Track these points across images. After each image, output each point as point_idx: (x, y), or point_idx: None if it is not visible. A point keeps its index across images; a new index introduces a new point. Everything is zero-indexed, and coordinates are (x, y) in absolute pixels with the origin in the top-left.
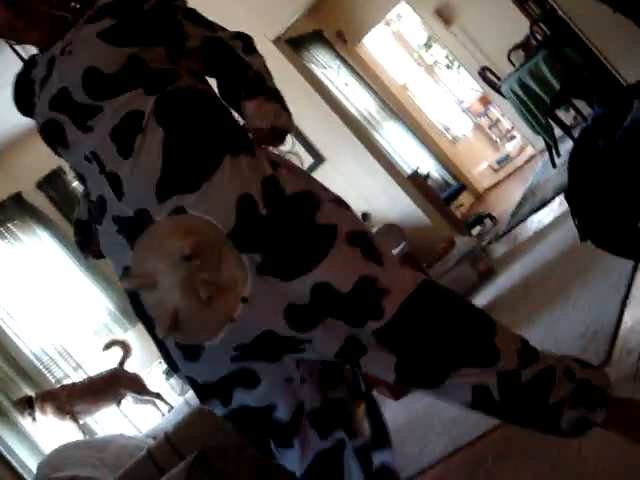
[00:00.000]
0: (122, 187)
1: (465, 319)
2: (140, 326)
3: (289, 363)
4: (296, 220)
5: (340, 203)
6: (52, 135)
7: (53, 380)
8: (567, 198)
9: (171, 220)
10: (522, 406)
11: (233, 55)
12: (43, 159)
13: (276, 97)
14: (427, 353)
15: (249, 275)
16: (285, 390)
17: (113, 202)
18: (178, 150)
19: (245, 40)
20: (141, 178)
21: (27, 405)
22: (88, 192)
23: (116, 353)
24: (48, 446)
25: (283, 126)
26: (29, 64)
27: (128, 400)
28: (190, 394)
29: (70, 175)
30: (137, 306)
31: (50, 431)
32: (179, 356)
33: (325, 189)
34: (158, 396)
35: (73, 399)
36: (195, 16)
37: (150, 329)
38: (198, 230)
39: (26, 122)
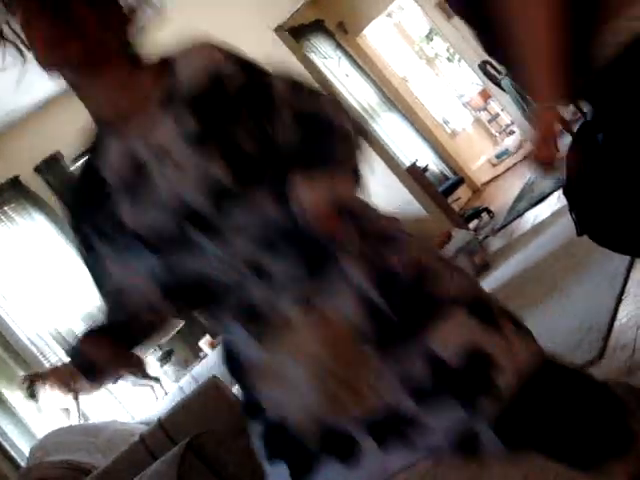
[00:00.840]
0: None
1: (596, 402)
2: None
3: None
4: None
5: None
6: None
7: (48, 364)
8: (565, 192)
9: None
10: None
11: None
12: (41, 143)
13: None
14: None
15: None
16: None
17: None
18: None
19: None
20: None
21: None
22: None
23: None
24: (41, 430)
25: None
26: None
27: (127, 381)
28: (184, 380)
29: (68, 160)
30: None
31: (45, 414)
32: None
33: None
34: (157, 380)
35: None
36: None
37: None
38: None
39: (24, 106)
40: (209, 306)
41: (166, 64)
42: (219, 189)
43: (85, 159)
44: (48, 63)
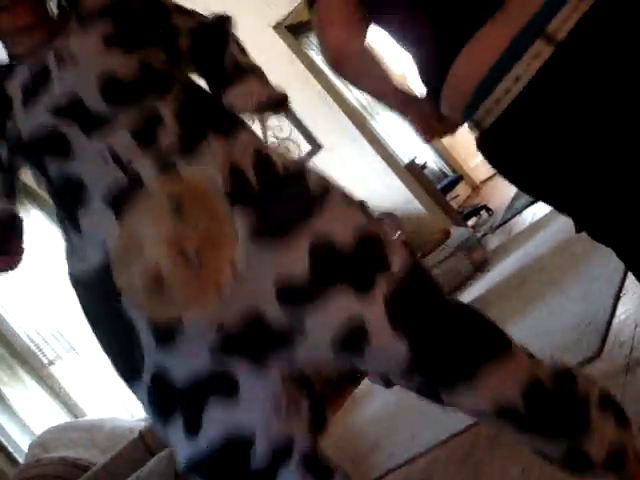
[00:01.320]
0: None
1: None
2: None
3: (276, 378)
4: (288, 188)
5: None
6: (50, 143)
7: (45, 361)
8: None
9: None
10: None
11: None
12: None
13: (252, 74)
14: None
15: (240, 236)
16: (268, 417)
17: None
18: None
19: (223, 27)
20: None
21: None
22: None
23: None
24: (39, 427)
25: (269, 98)
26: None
27: None
28: None
29: None
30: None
31: (39, 410)
32: (150, 343)
33: None
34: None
35: None
36: (181, 9)
37: (111, 331)
38: (189, 186)
39: None
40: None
41: None
42: (117, 86)
43: None
44: None
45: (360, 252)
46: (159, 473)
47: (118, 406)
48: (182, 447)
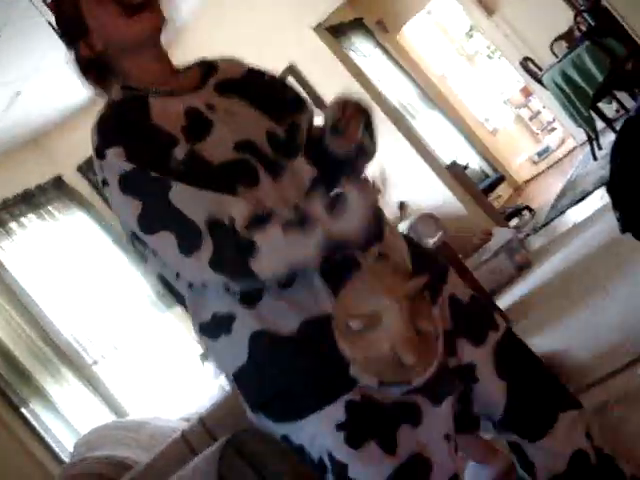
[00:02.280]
0: None
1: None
2: (177, 309)
3: (449, 414)
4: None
5: None
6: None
7: (90, 361)
8: (609, 189)
9: (388, 263)
10: None
11: None
12: (84, 143)
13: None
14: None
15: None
16: (443, 449)
17: None
18: None
19: None
20: None
21: None
22: None
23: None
24: (84, 426)
25: None
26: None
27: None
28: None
29: None
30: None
31: (84, 410)
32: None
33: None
34: None
35: None
36: None
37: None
38: (404, 271)
39: (68, 105)
40: None
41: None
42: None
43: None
44: (129, 33)
45: (475, 312)
46: (202, 472)
47: (160, 406)
48: (380, 465)
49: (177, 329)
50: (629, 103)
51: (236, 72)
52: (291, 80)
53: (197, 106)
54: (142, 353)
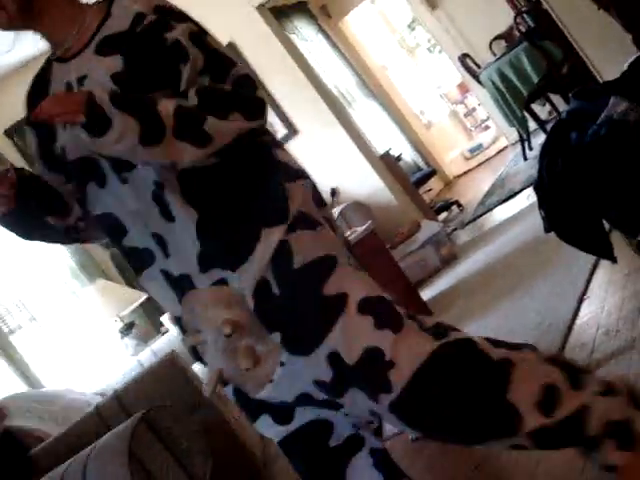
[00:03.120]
0: (167, 248)
1: (476, 384)
2: (100, 282)
3: (345, 418)
4: (303, 295)
5: (357, 266)
6: (86, 171)
7: (6, 330)
8: (535, 188)
9: (212, 292)
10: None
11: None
12: (13, 106)
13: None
14: (445, 431)
15: (278, 348)
16: (344, 419)
17: (160, 258)
18: (212, 231)
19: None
20: (184, 246)
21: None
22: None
23: (75, 308)
24: None
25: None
26: (45, 68)
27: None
28: (144, 354)
29: None
30: None
31: None
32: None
33: (343, 243)
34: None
35: None
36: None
37: None
38: (235, 304)
39: None
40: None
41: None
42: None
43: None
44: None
45: (361, 369)
46: (113, 447)
47: (76, 379)
48: (275, 432)
49: (97, 303)
50: (562, 106)
51: (123, 24)
52: None
53: (70, 81)
54: (60, 325)
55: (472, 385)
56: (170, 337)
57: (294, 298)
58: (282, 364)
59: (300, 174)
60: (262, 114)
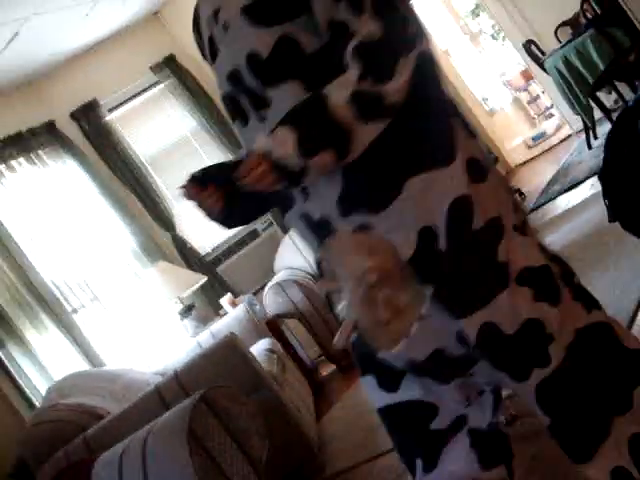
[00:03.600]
0: (307, 190)
1: (614, 372)
2: (161, 264)
3: (457, 388)
4: (477, 257)
5: (524, 228)
6: (234, 109)
7: (69, 309)
8: (600, 177)
9: (355, 237)
10: None
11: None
12: (79, 90)
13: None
14: (574, 417)
15: (425, 301)
16: (450, 403)
17: (300, 201)
18: (358, 170)
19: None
20: (325, 187)
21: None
22: None
23: (136, 289)
24: (59, 372)
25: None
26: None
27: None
28: (203, 336)
29: (104, 108)
30: None
31: (60, 357)
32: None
33: (510, 201)
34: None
35: None
36: None
37: None
38: (380, 251)
39: (63, 51)
40: None
41: None
42: (258, 63)
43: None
44: None
45: (521, 345)
46: (173, 426)
47: (136, 359)
48: (378, 396)
49: (158, 284)
50: (628, 95)
51: None
52: None
53: (209, 16)
54: (122, 306)
55: (610, 373)
56: (229, 319)
57: (464, 258)
58: (421, 318)
59: (456, 108)
60: (419, 38)
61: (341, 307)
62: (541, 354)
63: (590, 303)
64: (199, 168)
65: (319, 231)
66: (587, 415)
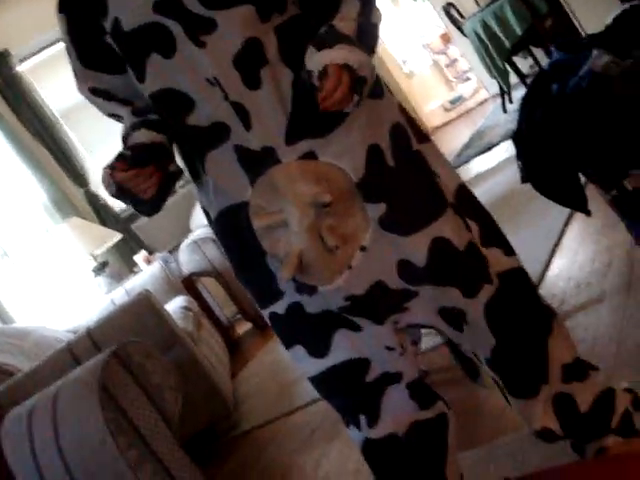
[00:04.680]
0: (249, 119)
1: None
2: (73, 220)
3: (390, 331)
4: (421, 174)
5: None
6: (153, 41)
7: None
8: (514, 139)
9: (302, 164)
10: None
11: None
12: None
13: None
14: (516, 342)
15: (371, 226)
16: (383, 354)
17: (238, 132)
18: (308, 94)
19: None
20: (269, 115)
21: None
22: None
23: (48, 245)
24: None
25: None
26: None
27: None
28: (117, 293)
29: (16, 59)
30: (229, 227)
31: None
32: (291, 287)
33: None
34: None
35: None
36: None
37: (242, 252)
38: (329, 178)
39: None
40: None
41: None
42: None
43: None
44: None
45: (469, 257)
46: (85, 381)
47: (48, 316)
48: (308, 364)
49: (71, 241)
50: (544, 60)
51: None
52: None
53: None
54: (33, 262)
55: (528, 314)
56: (144, 277)
57: (411, 175)
58: (363, 249)
59: None
60: None
61: (278, 243)
62: (486, 272)
63: (508, 249)
64: (123, 149)
65: (258, 163)
66: (528, 339)
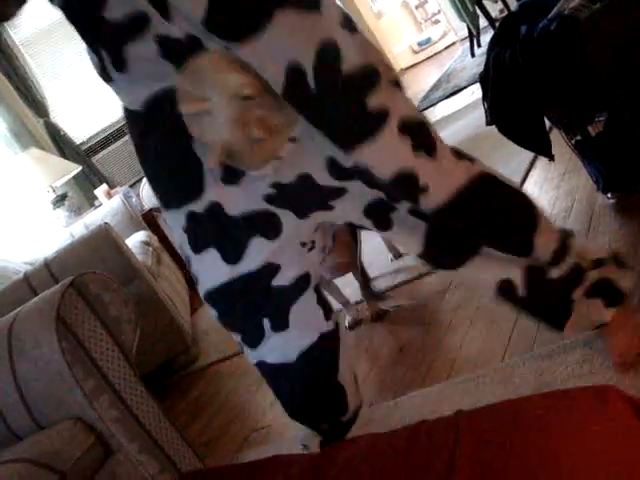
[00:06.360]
0: (168, 10)
1: (510, 209)
2: (32, 151)
3: (309, 227)
4: (346, 103)
5: (397, 84)
6: None
7: None
8: (481, 80)
9: (230, 54)
10: (543, 302)
11: None
12: None
13: None
14: (459, 226)
15: (297, 123)
16: (294, 254)
17: (158, 23)
18: None
19: None
20: (189, 8)
21: None
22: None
23: (6, 176)
24: None
25: None
26: None
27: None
28: (76, 226)
29: None
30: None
31: None
32: (217, 176)
33: (383, 61)
34: None
35: None
36: None
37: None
38: (256, 71)
39: None
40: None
41: None
42: None
43: None
44: None
45: (392, 187)
46: (41, 310)
47: (5, 248)
48: (216, 272)
49: (29, 172)
50: (513, 4)
51: None
52: None
53: None
54: None
55: (507, 208)
56: (104, 211)
57: (333, 102)
58: (293, 140)
59: None
60: None
61: (204, 130)
62: (412, 200)
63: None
64: None
65: (182, 51)
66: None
